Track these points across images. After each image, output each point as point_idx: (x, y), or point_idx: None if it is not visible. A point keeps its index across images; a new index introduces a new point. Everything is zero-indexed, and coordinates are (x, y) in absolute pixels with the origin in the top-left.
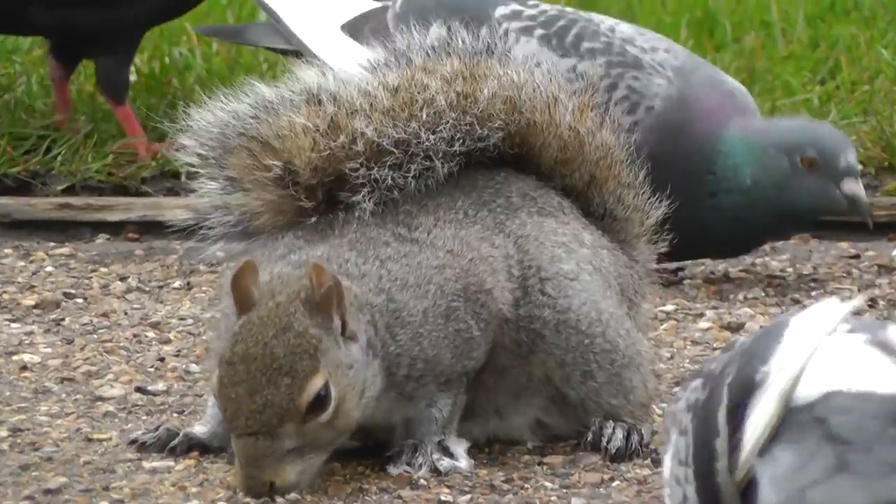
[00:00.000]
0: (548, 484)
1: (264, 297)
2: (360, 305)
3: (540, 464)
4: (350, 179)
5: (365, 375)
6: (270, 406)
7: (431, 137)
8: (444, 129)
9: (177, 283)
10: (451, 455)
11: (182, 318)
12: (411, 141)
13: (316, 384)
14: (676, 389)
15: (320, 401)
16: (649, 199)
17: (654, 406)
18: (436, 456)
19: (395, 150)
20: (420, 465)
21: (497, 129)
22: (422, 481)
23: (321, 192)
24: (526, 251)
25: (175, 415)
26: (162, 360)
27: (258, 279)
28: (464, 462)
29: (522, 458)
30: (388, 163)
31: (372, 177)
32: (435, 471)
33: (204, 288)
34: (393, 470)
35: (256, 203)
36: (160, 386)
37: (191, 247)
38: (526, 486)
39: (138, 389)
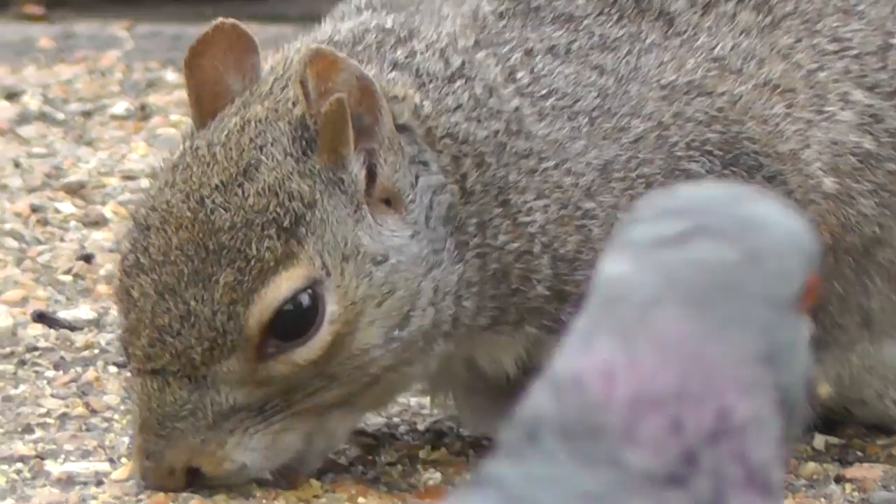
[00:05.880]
0: None
1: (234, 106)
2: (429, 132)
3: (839, 481)
4: None
5: (416, 279)
6: (190, 322)
7: None
8: None
9: None
10: None
11: None
12: None
13: (284, 287)
14: None
15: (293, 318)
16: None
17: None
18: None
19: None
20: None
21: None
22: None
23: None
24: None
25: (114, 369)
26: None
27: (244, 62)
28: None
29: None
30: None
31: None
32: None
33: None
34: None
35: None
36: (85, 312)
37: None
38: None
39: (41, 318)
